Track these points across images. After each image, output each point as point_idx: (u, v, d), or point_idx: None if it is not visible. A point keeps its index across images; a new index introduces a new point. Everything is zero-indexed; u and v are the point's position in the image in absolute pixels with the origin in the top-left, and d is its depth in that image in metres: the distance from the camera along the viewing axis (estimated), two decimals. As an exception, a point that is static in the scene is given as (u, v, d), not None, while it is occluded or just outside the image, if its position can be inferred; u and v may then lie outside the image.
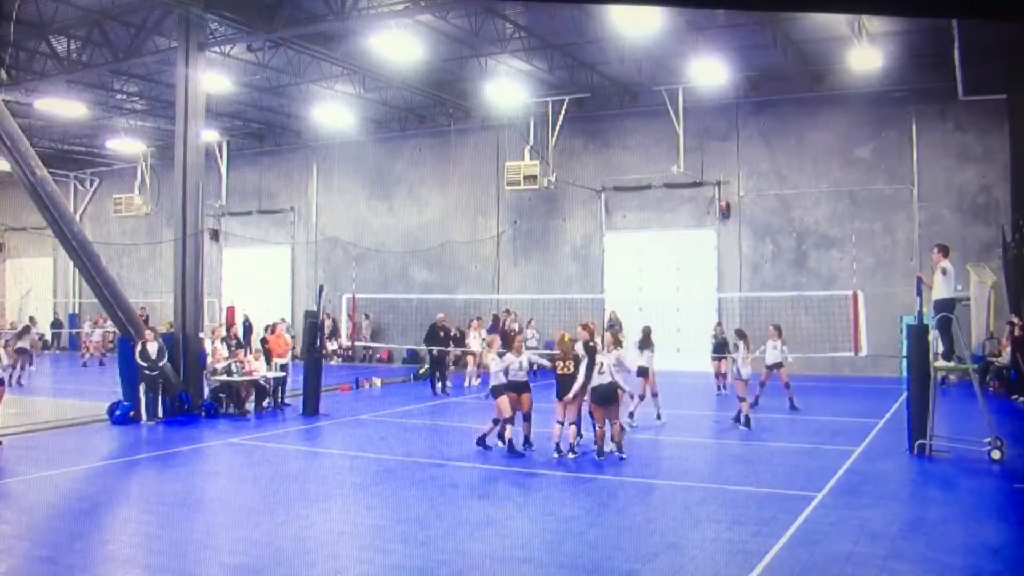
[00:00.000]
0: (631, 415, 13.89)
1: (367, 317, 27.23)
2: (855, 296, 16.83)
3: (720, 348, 17.22)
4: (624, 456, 11.07)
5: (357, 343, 26.34)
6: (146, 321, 20.20)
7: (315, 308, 17.30)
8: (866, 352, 16.79)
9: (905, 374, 13.24)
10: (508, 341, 12.32)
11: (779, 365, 15.86)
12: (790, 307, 21.05)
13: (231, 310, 23.97)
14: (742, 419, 13.80)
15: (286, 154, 30.89)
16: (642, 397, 14.15)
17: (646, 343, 14.12)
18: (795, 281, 23.01)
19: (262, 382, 16.29)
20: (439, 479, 10.28)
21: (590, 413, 11.34)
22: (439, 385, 19.25)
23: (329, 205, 30.02)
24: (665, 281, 24.36)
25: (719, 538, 7.75)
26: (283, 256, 30.73)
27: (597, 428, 11.16)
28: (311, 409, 15.68)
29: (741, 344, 14.31)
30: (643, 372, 14.04)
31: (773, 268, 23.73)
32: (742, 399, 13.98)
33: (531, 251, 26.61)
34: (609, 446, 11.22)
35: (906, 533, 7.88)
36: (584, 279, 25.75)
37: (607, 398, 11.03)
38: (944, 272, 11.76)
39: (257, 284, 30.58)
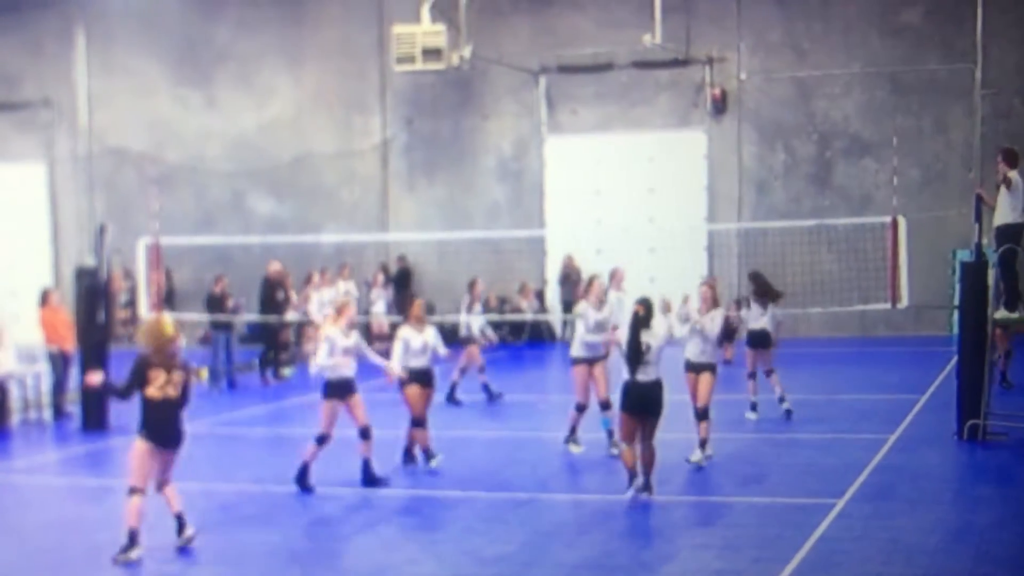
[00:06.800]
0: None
1: (219, 281, 24.43)
2: (895, 224, 17.71)
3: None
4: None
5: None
6: None
7: (94, 263, 16.57)
8: (907, 303, 17.73)
9: (957, 331, 14.21)
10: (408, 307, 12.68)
11: None
12: (807, 242, 21.93)
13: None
14: None
15: (29, 10, 28.31)
16: None
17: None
18: (815, 205, 23.86)
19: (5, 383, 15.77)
20: (302, 513, 10.64)
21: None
22: (270, 372, 20.44)
23: (109, 96, 28.55)
24: (634, 208, 24.87)
25: (705, 569, 8.55)
26: (34, 179, 29.24)
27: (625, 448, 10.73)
28: (95, 421, 15.34)
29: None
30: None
31: (785, 187, 24.57)
32: None
33: (436, 167, 26.72)
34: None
35: (949, 545, 8.86)
36: (516, 208, 26.17)
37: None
38: (1010, 186, 12.43)
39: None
